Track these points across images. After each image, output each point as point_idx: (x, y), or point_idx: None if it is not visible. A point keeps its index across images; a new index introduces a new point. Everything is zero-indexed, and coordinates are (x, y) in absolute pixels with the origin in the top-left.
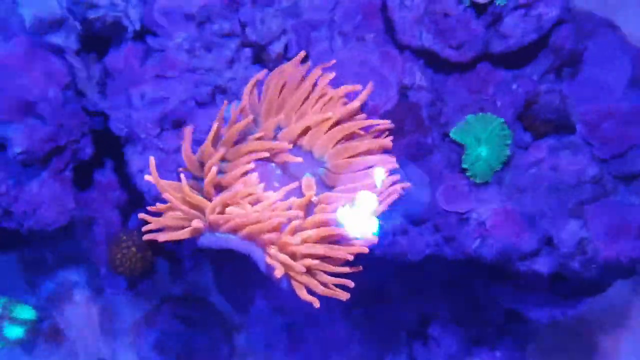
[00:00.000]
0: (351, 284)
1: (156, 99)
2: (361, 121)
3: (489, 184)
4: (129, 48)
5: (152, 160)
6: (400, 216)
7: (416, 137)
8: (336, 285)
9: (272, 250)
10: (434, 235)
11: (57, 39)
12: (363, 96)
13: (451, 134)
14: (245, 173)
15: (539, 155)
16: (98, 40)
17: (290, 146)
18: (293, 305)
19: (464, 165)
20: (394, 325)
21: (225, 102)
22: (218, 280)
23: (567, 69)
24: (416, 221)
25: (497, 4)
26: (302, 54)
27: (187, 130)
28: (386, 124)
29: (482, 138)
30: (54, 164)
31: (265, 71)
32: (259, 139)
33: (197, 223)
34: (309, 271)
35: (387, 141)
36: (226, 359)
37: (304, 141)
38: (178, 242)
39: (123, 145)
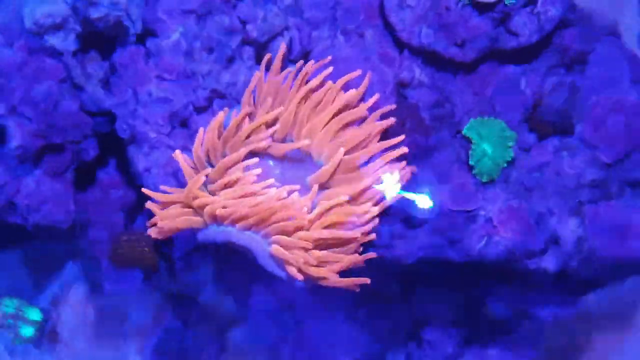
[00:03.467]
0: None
1: (161, 98)
2: (357, 109)
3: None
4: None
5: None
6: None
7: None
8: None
9: (278, 245)
10: (435, 236)
11: (57, 38)
12: (362, 86)
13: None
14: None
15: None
16: (100, 39)
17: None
18: (292, 303)
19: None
20: (394, 326)
21: (226, 109)
22: (215, 280)
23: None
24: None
25: (506, 3)
26: (283, 46)
27: (201, 130)
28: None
29: (484, 137)
30: (48, 163)
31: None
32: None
33: (196, 218)
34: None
35: (388, 122)
36: (224, 357)
37: (304, 137)
38: (171, 243)
39: (128, 144)
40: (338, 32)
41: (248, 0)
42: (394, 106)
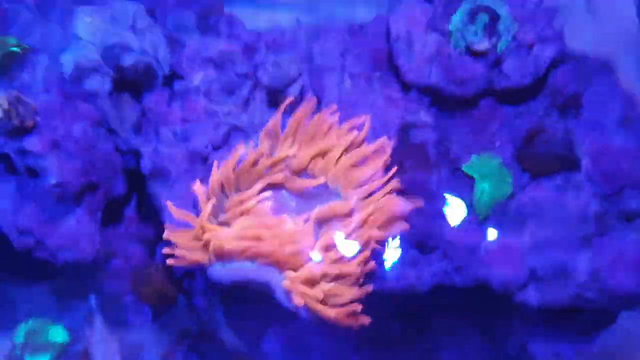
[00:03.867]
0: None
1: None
2: (366, 147)
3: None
4: (160, 92)
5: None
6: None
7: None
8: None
9: (291, 277)
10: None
11: (92, 82)
12: (365, 127)
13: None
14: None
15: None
16: (131, 83)
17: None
18: (307, 339)
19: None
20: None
21: (241, 143)
22: (229, 318)
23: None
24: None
25: (498, 51)
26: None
27: (215, 163)
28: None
29: (485, 175)
30: (86, 200)
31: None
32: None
33: (201, 255)
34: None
35: (387, 152)
36: None
37: (317, 172)
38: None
39: (150, 179)
40: (346, 76)
41: (263, 50)
42: (392, 142)
